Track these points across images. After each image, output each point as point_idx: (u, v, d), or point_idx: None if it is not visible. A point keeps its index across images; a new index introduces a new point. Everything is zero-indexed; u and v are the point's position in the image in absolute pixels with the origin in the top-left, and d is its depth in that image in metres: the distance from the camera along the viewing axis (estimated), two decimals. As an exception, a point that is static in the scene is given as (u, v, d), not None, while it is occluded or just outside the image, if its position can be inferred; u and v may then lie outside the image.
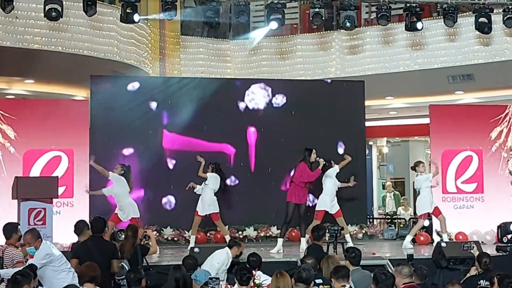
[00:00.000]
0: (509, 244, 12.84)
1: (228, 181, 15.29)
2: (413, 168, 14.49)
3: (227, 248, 10.64)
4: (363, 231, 16.04)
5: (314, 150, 13.55)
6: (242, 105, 16.08)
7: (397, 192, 22.75)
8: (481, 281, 8.58)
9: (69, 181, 13.79)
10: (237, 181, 15.77)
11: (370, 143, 24.18)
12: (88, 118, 14.54)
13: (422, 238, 14.80)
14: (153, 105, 15.57)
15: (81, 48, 15.45)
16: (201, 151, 14.93)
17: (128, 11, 12.82)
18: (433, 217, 14.46)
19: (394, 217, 20.48)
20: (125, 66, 16.39)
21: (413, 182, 14.64)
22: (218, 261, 10.20)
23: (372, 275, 7.76)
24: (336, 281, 7.90)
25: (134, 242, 10.03)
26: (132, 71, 16.54)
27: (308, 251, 10.65)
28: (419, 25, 14.26)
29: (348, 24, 13.77)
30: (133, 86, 15.52)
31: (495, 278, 6.99)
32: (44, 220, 12.57)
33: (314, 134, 15.62)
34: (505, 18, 14.71)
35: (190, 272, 8.21)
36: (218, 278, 6.57)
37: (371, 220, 19.47)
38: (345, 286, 7.81)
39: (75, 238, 10.51)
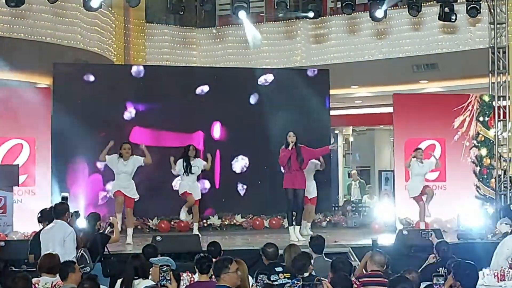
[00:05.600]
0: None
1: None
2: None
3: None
4: (327, 219, 16.11)
5: (289, 133, 13.15)
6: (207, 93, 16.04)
7: (362, 181, 22.87)
8: (440, 269, 8.63)
9: (30, 170, 13.64)
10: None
11: (336, 131, 24.29)
12: (50, 106, 14.39)
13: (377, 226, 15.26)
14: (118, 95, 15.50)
15: (43, 35, 15.30)
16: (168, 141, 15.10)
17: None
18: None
19: (359, 205, 20.58)
20: (88, 54, 16.27)
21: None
22: (508, 247, 10.15)
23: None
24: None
25: (93, 230, 9.97)
26: (95, 58, 16.41)
27: None
28: (379, 13, 14.35)
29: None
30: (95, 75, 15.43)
31: (452, 265, 7.03)
32: (5, 209, 12.52)
33: (279, 122, 15.63)
34: (469, 7, 14.84)
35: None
36: (169, 266, 6.52)
37: (336, 208, 19.55)
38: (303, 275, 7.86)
39: (36, 227, 10.47)
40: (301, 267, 7.91)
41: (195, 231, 13.74)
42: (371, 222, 15.78)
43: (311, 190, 14.31)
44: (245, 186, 16.06)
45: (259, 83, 16.30)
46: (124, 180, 13.09)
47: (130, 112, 15.53)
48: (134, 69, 15.66)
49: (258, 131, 15.88)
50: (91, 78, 15.24)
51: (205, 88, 15.98)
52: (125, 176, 13.10)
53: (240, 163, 16.12)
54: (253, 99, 16.25)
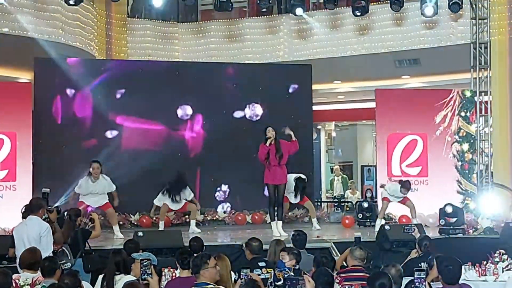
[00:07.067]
0: (450, 227, 13.01)
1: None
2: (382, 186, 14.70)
3: None
4: (310, 214, 16.08)
5: (268, 128, 13.04)
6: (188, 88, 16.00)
7: (345, 176, 22.93)
8: (422, 263, 8.65)
9: (11, 165, 13.56)
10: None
11: (319, 127, 24.30)
12: (31, 100, 14.29)
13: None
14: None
15: (25, 29, 15.16)
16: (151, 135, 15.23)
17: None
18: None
19: (341, 200, 20.66)
20: (70, 49, 16.14)
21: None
22: None
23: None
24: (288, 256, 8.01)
25: (74, 226, 9.91)
26: (77, 53, 16.29)
27: None
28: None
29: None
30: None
31: (434, 260, 7.05)
32: (-16, 204, 12.43)
33: (262, 117, 15.65)
34: (451, 3, 14.89)
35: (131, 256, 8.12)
36: (149, 260, 6.51)
37: (319, 203, 19.59)
38: (294, 266, 7.96)
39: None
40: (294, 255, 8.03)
41: (192, 226, 13.99)
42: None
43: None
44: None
45: (240, 77, 16.26)
46: (92, 197, 13.09)
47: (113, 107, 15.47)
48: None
49: (239, 126, 15.88)
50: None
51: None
52: (93, 195, 13.08)
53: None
54: (234, 93, 16.25)
